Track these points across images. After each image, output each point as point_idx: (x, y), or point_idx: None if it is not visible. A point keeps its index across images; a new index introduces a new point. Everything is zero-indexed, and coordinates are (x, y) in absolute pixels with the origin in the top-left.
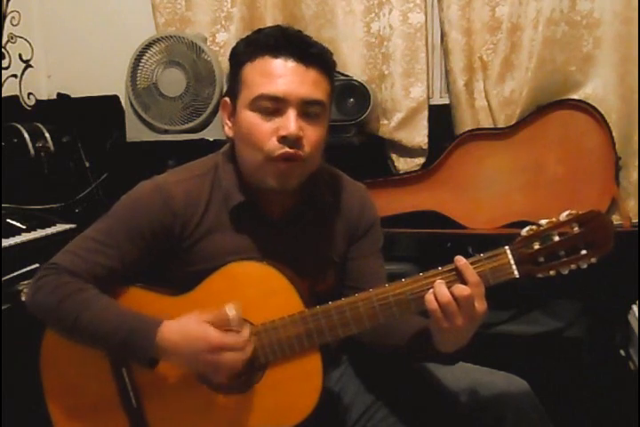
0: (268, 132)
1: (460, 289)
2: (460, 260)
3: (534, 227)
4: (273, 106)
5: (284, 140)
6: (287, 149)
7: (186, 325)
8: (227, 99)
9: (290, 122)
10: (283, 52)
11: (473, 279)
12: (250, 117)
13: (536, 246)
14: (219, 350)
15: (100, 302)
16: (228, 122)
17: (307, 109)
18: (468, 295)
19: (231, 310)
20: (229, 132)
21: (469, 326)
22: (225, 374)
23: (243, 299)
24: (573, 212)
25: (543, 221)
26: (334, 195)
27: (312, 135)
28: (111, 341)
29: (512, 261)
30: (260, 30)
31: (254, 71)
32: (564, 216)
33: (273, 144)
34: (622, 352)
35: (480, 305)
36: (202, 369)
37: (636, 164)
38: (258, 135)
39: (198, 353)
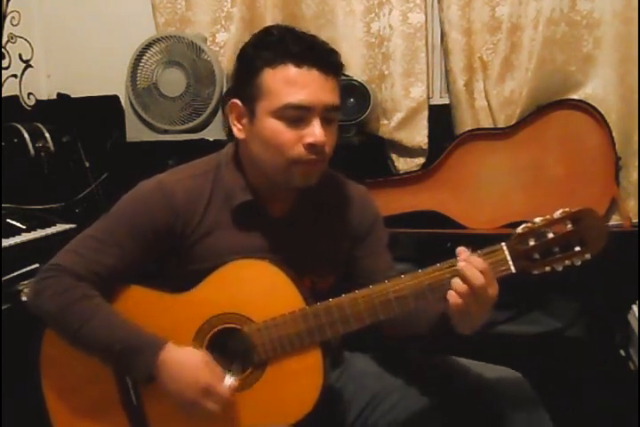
0: (294, 139)
1: (475, 276)
2: (464, 252)
3: (529, 224)
4: (298, 115)
5: (311, 147)
6: (313, 157)
7: (189, 355)
8: (237, 101)
9: (316, 130)
10: (307, 61)
11: (483, 266)
12: (275, 125)
13: (531, 243)
14: (204, 391)
15: (106, 312)
16: (237, 124)
17: (327, 115)
18: (482, 285)
19: (229, 380)
20: (240, 135)
21: (485, 311)
22: (199, 414)
23: (244, 296)
24: (567, 209)
25: (538, 219)
26: (334, 195)
27: (331, 139)
28: (112, 353)
29: (508, 257)
30: (269, 31)
31: (277, 79)
32: (557, 214)
33: (299, 150)
34: (622, 352)
35: (493, 290)
36: (180, 400)
37: (636, 164)
38: (283, 142)
39: (185, 385)
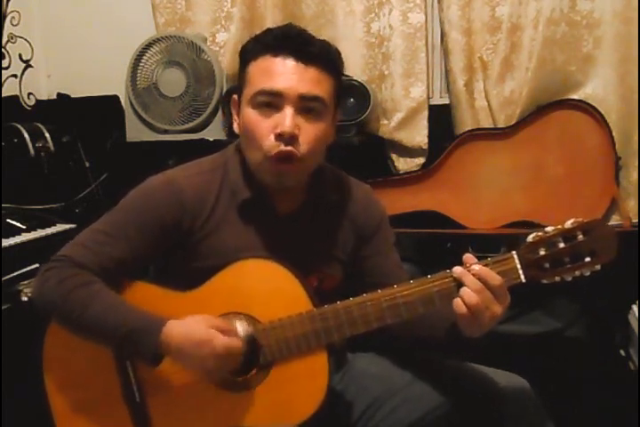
0: (267, 130)
1: (488, 296)
2: (471, 259)
3: (540, 233)
4: (271, 102)
5: (279, 137)
6: (282, 148)
7: (191, 326)
8: (235, 96)
9: (285, 119)
10: (282, 50)
11: (496, 282)
12: (250, 114)
13: (542, 252)
14: (222, 352)
15: (107, 297)
16: (236, 118)
17: (305, 106)
18: (493, 299)
19: (240, 326)
20: (237, 129)
21: (494, 320)
22: (225, 376)
23: (250, 296)
24: (579, 219)
25: (549, 228)
26: (339, 194)
27: (310, 133)
28: (116, 336)
29: (519, 266)
30: (268, 30)
31: (255, 69)
32: (569, 224)
33: (270, 142)
34: (622, 352)
35: (504, 301)
36: (205, 373)
37: (636, 164)
38: (257, 133)
39: (203, 358)
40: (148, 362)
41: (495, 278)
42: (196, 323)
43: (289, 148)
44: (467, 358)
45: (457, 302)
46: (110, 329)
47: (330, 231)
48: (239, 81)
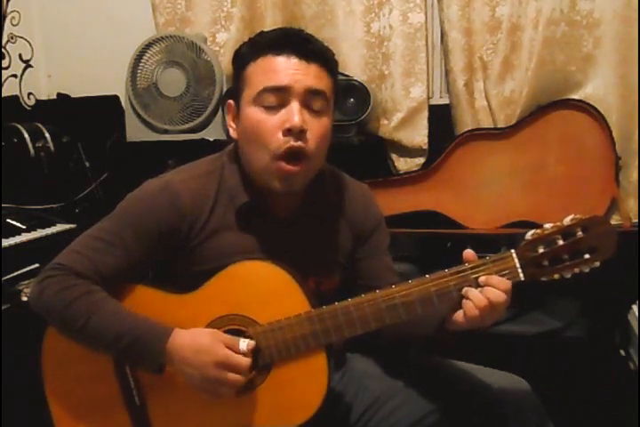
0: (274, 127)
1: (496, 295)
2: (472, 255)
3: (539, 231)
4: (276, 98)
5: (288, 132)
6: (292, 143)
7: (198, 336)
8: (231, 101)
9: (294, 114)
10: (285, 49)
11: (507, 287)
12: (254, 113)
13: (540, 250)
14: (224, 365)
15: (109, 306)
16: (232, 124)
17: (310, 101)
18: (504, 300)
19: (244, 344)
20: (234, 135)
21: (495, 319)
22: (224, 391)
23: (249, 298)
24: (577, 216)
25: (548, 225)
26: (338, 195)
27: (316, 129)
28: (120, 344)
29: (518, 265)
30: (262, 32)
31: (257, 69)
32: (567, 220)
33: (278, 140)
34: (622, 352)
35: (506, 303)
36: (203, 382)
37: (636, 164)
38: (263, 131)
39: (204, 365)
40: (152, 370)
41: (506, 284)
42: (201, 333)
43: (299, 143)
44: (465, 356)
45: (468, 303)
46: (114, 338)
47: (329, 233)
48: (235, 85)
